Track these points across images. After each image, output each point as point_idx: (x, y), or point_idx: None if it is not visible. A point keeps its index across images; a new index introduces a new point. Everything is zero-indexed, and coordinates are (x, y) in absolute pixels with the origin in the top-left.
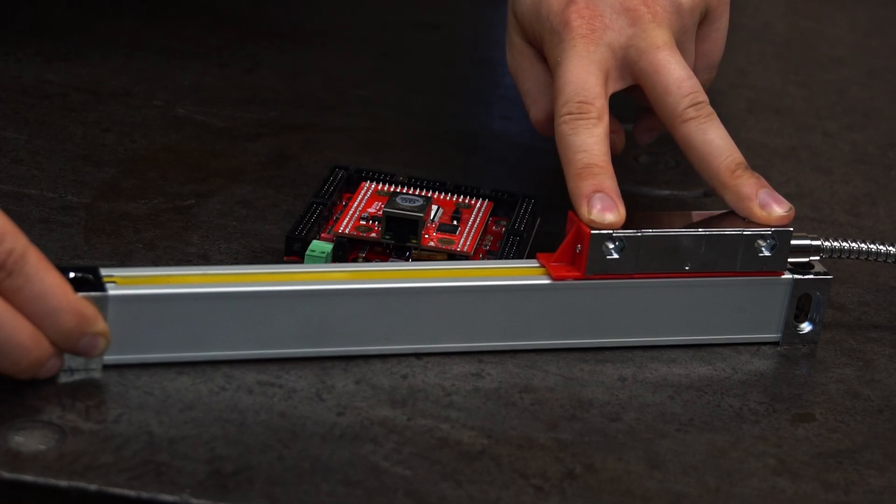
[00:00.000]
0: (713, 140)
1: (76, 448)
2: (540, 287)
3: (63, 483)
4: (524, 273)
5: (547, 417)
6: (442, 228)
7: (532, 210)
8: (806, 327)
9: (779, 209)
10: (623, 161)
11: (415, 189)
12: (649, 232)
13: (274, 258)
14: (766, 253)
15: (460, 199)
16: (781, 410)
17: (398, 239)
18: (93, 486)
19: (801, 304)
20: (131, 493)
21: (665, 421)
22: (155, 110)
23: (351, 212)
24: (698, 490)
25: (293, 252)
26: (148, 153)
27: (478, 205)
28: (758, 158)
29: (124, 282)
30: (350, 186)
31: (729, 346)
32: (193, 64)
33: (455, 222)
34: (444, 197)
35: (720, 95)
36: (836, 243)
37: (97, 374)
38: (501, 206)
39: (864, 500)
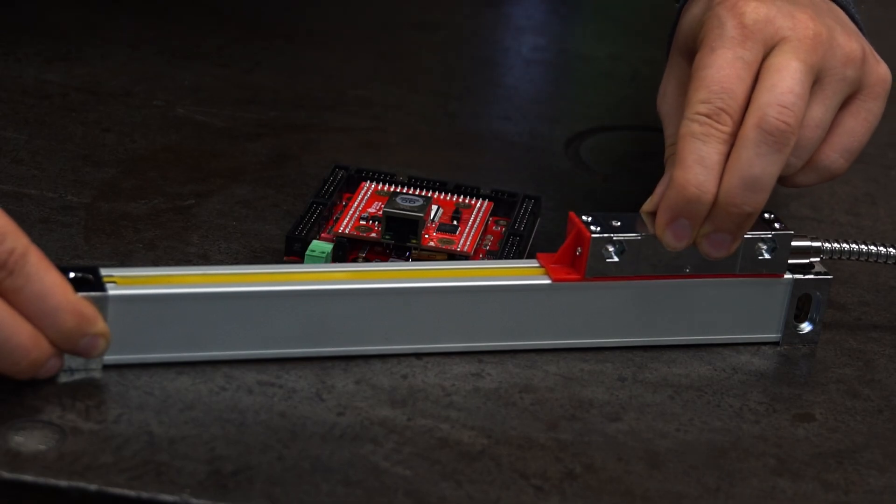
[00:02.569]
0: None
1: (76, 448)
2: (539, 287)
3: (63, 483)
4: (524, 273)
5: (547, 417)
6: (442, 228)
7: (532, 210)
8: (806, 327)
9: (710, 250)
10: (623, 161)
11: (415, 189)
12: (649, 235)
13: (274, 258)
14: (766, 255)
15: (460, 199)
16: (781, 410)
17: (398, 239)
18: (93, 486)
19: (801, 304)
20: (131, 493)
21: (665, 421)
22: (155, 110)
23: (351, 212)
24: (698, 490)
25: (293, 252)
26: (148, 153)
27: (478, 205)
28: None
29: (124, 282)
30: (350, 186)
31: (729, 346)
32: (193, 64)
33: (455, 222)
34: (444, 197)
35: None
36: (836, 245)
37: (97, 374)
38: (501, 206)
39: (864, 500)
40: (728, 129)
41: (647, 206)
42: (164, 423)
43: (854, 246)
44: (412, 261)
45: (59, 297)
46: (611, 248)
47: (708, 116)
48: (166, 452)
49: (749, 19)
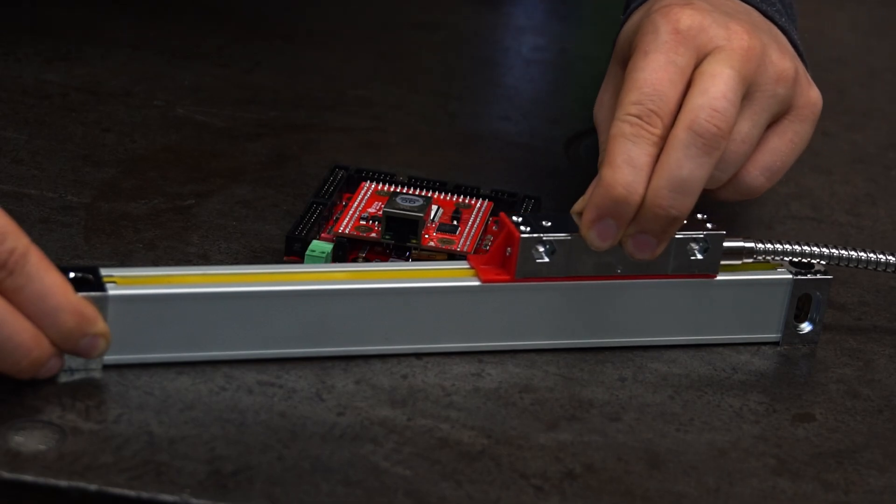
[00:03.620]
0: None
1: (76, 448)
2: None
3: (63, 483)
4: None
5: (547, 417)
6: (442, 228)
7: (532, 210)
8: (806, 327)
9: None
10: None
11: (415, 189)
12: (579, 235)
13: (274, 258)
14: (699, 256)
15: (460, 199)
16: (781, 410)
17: (398, 239)
18: (93, 486)
19: (801, 304)
20: (131, 493)
21: (665, 421)
22: (155, 110)
23: (351, 212)
24: (698, 490)
25: (293, 252)
26: (148, 153)
27: (478, 205)
28: None
29: (124, 282)
30: (350, 186)
31: (729, 346)
32: (193, 64)
33: (455, 222)
34: (444, 197)
35: None
36: (769, 245)
37: (97, 374)
38: (501, 206)
39: (864, 500)
40: (658, 131)
41: (578, 205)
42: (164, 423)
43: (797, 247)
44: (412, 261)
45: (60, 297)
46: (541, 249)
47: (639, 118)
48: (166, 452)
49: (683, 25)
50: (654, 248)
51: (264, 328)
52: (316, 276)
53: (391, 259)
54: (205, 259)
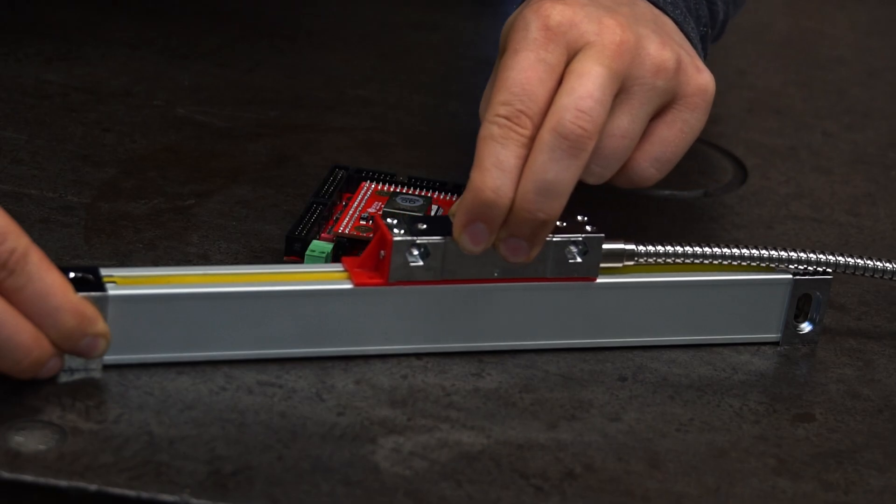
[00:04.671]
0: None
1: (76, 448)
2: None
3: (63, 483)
4: (326, 278)
5: (547, 417)
6: None
7: None
8: (806, 327)
9: (509, 254)
10: None
11: (415, 189)
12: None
13: (274, 258)
14: (578, 259)
15: None
16: (781, 410)
17: None
18: (93, 486)
19: (801, 304)
20: (131, 493)
21: (665, 421)
22: (155, 110)
23: (351, 212)
24: (698, 490)
25: (293, 252)
26: (148, 153)
27: None
28: (758, 158)
29: (124, 282)
30: (350, 186)
31: (729, 346)
32: (193, 64)
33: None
34: (444, 197)
35: (720, 95)
36: (650, 247)
37: (97, 374)
38: None
39: (864, 500)
40: (528, 132)
41: (454, 207)
42: (164, 423)
43: (678, 248)
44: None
45: (60, 297)
46: (415, 252)
47: (507, 119)
48: (166, 452)
49: (553, 21)
50: (527, 251)
51: (264, 328)
52: (316, 276)
53: None
54: (205, 259)
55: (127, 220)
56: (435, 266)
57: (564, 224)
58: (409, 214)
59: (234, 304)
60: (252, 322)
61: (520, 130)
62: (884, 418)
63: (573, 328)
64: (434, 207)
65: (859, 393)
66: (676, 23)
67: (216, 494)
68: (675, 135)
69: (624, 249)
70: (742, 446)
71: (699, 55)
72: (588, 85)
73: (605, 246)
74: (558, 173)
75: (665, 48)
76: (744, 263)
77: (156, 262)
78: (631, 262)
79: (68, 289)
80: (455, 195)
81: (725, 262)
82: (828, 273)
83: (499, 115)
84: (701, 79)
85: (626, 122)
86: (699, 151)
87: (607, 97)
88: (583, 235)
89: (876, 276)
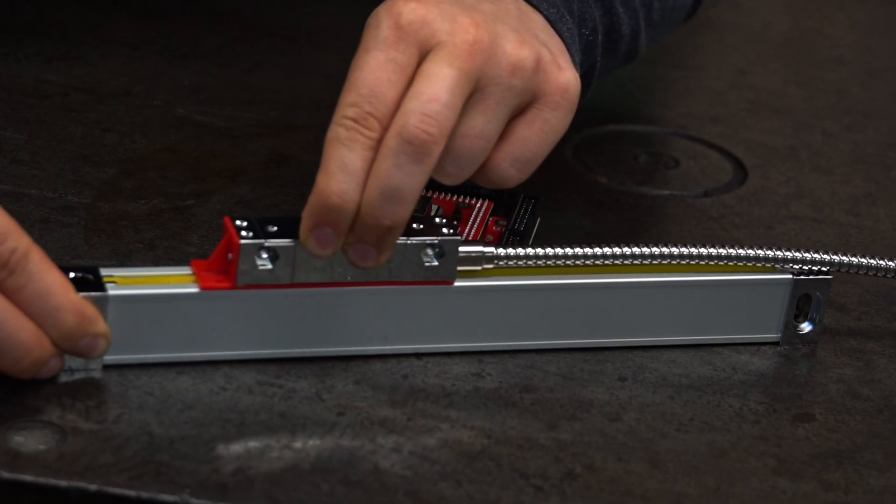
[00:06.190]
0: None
1: (76, 448)
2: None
3: (63, 483)
4: (174, 281)
5: (547, 417)
6: None
7: (532, 210)
8: (806, 327)
9: (356, 259)
10: (623, 161)
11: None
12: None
13: None
14: (434, 262)
15: (460, 199)
16: (781, 410)
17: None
18: (93, 486)
19: (801, 304)
20: (131, 493)
21: (665, 421)
22: (155, 110)
23: None
24: (698, 490)
25: None
26: (148, 153)
27: (478, 205)
28: (758, 158)
29: (124, 282)
30: None
31: (729, 346)
32: (193, 64)
33: (455, 222)
34: (444, 197)
35: (720, 95)
36: (510, 251)
37: (97, 374)
38: (501, 206)
39: (864, 500)
40: (375, 134)
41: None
42: (164, 423)
43: (540, 251)
44: None
45: (61, 297)
46: (264, 255)
47: (355, 121)
48: (166, 452)
49: (404, 20)
50: (376, 257)
51: (264, 328)
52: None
53: None
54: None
55: (127, 220)
56: (285, 270)
57: (422, 226)
58: (262, 217)
59: (234, 304)
60: (252, 322)
61: (367, 133)
62: (884, 418)
63: (573, 328)
64: (434, 207)
65: (859, 393)
66: (550, 21)
67: (216, 494)
68: (536, 134)
69: (482, 252)
70: (742, 446)
71: (573, 56)
72: (435, 87)
73: (461, 249)
74: (403, 179)
75: (523, 46)
76: (740, 264)
77: (156, 262)
78: (490, 266)
79: (69, 288)
80: (454, 195)
81: (683, 263)
82: (828, 273)
83: (346, 117)
84: (562, 77)
85: (481, 122)
86: (699, 151)
87: (456, 99)
88: (438, 238)
89: (877, 274)
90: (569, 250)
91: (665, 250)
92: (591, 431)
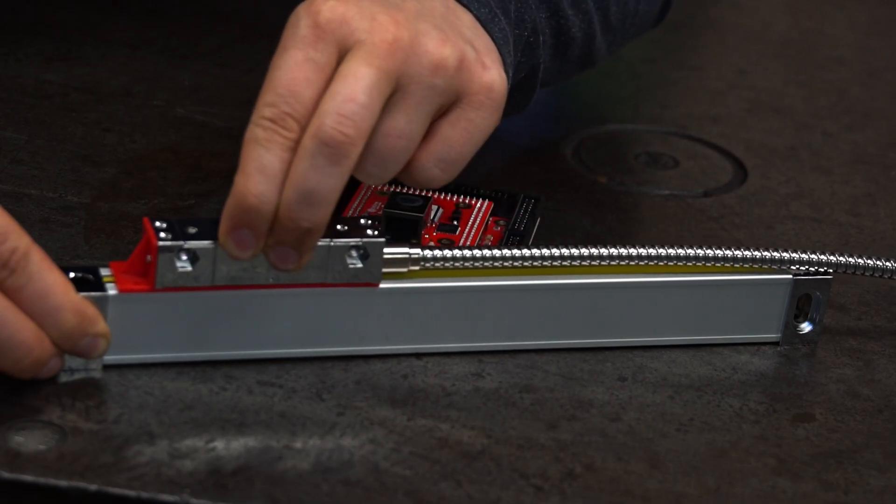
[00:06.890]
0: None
1: (76, 448)
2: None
3: (63, 483)
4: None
5: (547, 417)
6: (442, 228)
7: (532, 210)
8: (806, 327)
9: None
10: (623, 161)
11: (415, 189)
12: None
13: None
14: (358, 264)
15: (460, 199)
16: (781, 410)
17: (398, 239)
18: (93, 486)
19: (801, 304)
20: (131, 493)
21: (665, 421)
22: (155, 110)
23: (351, 212)
24: (698, 490)
25: None
26: (148, 153)
27: (478, 205)
28: (757, 158)
29: None
30: (350, 186)
31: (729, 346)
32: (193, 64)
33: (455, 222)
34: (444, 197)
35: (720, 95)
36: (436, 252)
37: (97, 374)
38: (501, 206)
39: (864, 500)
40: (294, 135)
41: None
42: (164, 423)
43: (467, 252)
44: None
45: (61, 297)
46: (184, 257)
47: (273, 121)
48: (166, 452)
49: (323, 18)
50: (297, 259)
51: (264, 328)
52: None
53: None
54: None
55: (127, 220)
56: (205, 272)
57: (346, 228)
58: (183, 218)
59: (234, 304)
60: (252, 322)
61: (285, 133)
62: (884, 418)
63: (573, 328)
64: (434, 207)
65: (859, 393)
66: (479, 20)
67: (216, 494)
68: (460, 134)
69: (408, 255)
70: (742, 446)
71: (504, 57)
72: (352, 87)
73: (386, 250)
74: (320, 181)
75: (446, 45)
76: (737, 265)
77: None
78: (416, 268)
79: (69, 288)
80: (455, 195)
81: (683, 264)
82: (828, 273)
83: (264, 117)
84: (487, 76)
85: (403, 122)
86: (699, 151)
87: (374, 99)
88: (362, 240)
89: (876, 274)
90: (495, 252)
91: (665, 252)
92: (591, 431)
